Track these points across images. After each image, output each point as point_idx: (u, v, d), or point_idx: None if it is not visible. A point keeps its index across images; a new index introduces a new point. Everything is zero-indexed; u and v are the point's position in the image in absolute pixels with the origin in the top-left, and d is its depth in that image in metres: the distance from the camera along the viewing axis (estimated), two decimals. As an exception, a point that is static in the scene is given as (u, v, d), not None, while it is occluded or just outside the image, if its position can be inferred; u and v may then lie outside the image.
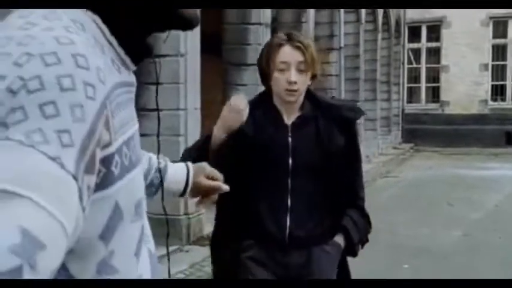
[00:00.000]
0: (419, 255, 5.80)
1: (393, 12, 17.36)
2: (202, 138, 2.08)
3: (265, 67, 2.03)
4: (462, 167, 13.10)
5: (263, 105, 2.10)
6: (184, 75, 5.85)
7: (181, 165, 1.44)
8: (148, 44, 0.86)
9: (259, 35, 7.74)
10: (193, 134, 6.00)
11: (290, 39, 2.00)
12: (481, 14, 18.68)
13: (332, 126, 2.05)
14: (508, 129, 18.42)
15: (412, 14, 19.18)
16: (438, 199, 9.06)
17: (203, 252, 5.57)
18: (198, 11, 0.86)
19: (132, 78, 0.84)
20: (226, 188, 1.47)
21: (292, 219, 2.01)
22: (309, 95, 2.11)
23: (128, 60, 0.82)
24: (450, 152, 16.77)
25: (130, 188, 0.78)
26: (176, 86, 5.76)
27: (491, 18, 18.90)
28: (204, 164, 1.48)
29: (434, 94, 20.03)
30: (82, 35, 0.71)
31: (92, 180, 0.68)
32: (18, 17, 0.71)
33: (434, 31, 19.79)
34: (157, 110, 1.14)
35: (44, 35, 0.67)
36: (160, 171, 1.35)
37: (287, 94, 2.02)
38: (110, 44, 0.78)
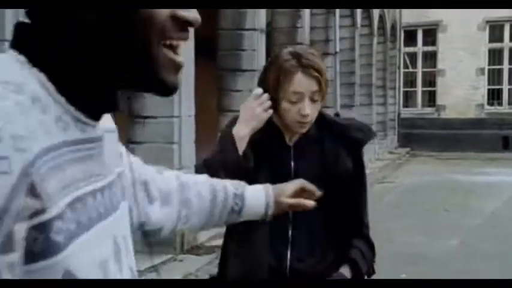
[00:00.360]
0: (416, 263, 5.82)
1: (389, 16, 17.44)
2: (229, 155, 1.75)
3: (272, 93, 1.80)
4: (459, 172, 13.15)
5: (266, 124, 1.85)
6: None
7: (259, 188, 1.42)
8: (113, 99, 0.82)
9: (254, 41, 7.76)
10: (187, 142, 6.01)
11: (302, 65, 1.77)
12: (478, 18, 18.78)
13: (339, 148, 1.87)
14: (505, 133, 18.51)
15: (408, 18, 19.27)
16: (435, 205, 9.09)
17: (197, 262, 5.57)
18: (178, 77, 0.81)
19: (92, 134, 0.80)
20: (311, 204, 1.47)
21: (294, 251, 1.84)
22: None
23: (82, 116, 0.78)
24: (446, 156, 16.83)
25: (87, 251, 0.74)
26: (170, 93, 5.77)
27: (487, 22, 19.01)
28: (284, 186, 1.47)
29: (431, 98, 20.12)
30: (10, 98, 0.68)
31: (13, 257, 0.64)
32: None
33: (431, 35, 19.89)
34: None
35: None
36: (238, 197, 1.35)
37: (298, 126, 1.81)
38: (56, 101, 0.75)
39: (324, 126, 1.89)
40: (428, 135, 18.89)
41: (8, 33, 3.71)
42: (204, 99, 8.16)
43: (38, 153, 0.67)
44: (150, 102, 5.77)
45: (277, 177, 1.72)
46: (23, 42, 0.76)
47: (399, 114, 19.24)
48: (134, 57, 0.76)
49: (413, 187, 11.19)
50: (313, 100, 1.78)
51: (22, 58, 0.74)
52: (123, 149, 1.09)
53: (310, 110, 1.78)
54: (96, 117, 0.81)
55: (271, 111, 1.78)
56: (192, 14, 0.79)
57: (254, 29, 7.78)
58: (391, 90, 18.17)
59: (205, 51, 8.43)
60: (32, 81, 0.73)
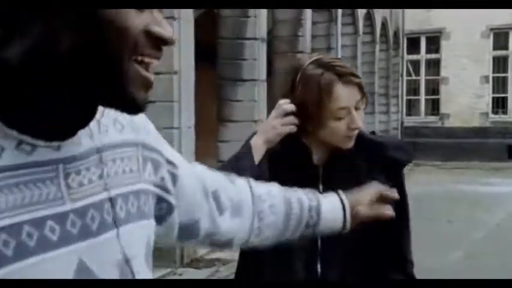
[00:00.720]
0: (419, 275, 5.78)
1: (391, 24, 17.47)
2: (244, 162, 1.62)
3: (312, 113, 1.60)
4: (463, 182, 13.13)
5: (283, 138, 1.65)
6: (178, 93, 5.86)
7: (335, 200, 1.33)
8: (75, 117, 0.79)
9: (255, 50, 7.77)
10: (187, 154, 6.00)
11: (339, 73, 1.59)
12: (481, 25, 18.81)
13: (375, 170, 1.65)
14: (509, 142, 18.48)
15: (411, 25, 19.31)
16: (438, 216, 9.07)
17: (197, 276, 5.56)
18: (147, 96, 0.79)
19: (46, 156, 0.77)
20: (391, 213, 1.36)
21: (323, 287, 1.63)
22: None
23: (26, 138, 0.76)
24: (450, 166, 16.81)
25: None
26: (170, 104, 5.77)
27: (491, 29, 19.03)
28: (359, 194, 1.36)
29: (434, 107, 20.12)
30: None
31: None
32: None
33: (434, 42, 19.91)
34: None
35: None
36: (314, 209, 1.29)
37: (348, 141, 1.63)
38: None
39: (356, 144, 1.67)
40: (432, 144, 18.87)
41: None
42: (203, 108, 8.17)
43: None
44: (149, 114, 5.75)
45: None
46: None
47: (402, 122, 19.23)
48: (103, 71, 0.74)
49: (416, 197, 11.11)
50: (357, 109, 1.62)
51: None
52: (172, 156, 1.04)
53: (360, 123, 1.62)
54: (51, 139, 0.77)
55: (292, 126, 1.62)
56: (167, 31, 0.78)
57: (255, 38, 7.80)
58: (394, 98, 18.18)
59: (206, 59, 8.45)
60: None
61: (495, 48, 19.32)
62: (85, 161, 0.82)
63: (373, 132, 1.79)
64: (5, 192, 0.71)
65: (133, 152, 0.92)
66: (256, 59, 7.77)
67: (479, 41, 19.04)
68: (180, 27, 5.86)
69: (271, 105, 2.21)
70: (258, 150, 1.62)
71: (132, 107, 0.78)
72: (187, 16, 6.07)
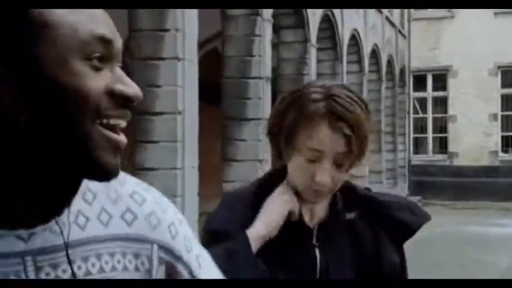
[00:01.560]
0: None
1: (397, 61, 17.67)
2: (243, 261, 1.31)
3: (282, 142, 1.37)
4: (472, 223, 13.07)
5: (266, 192, 1.41)
6: (181, 133, 5.94)
7: None
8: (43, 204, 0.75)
9: (260, 89, 7.89)
10: (191, 195, 6.05)
11: (332, 111, 1.30)
12: (489, 63, 19.00)
13: (380, 236, 1.41)
14: (520, 182, 18.46)
15: (417, 63, 19.51)
16: (447, 259, 9.02)
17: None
18: (117, 160, 0.76)
19: (11, 247, 0.73)
20: None
21: None
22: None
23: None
24: (460, 206, 16.75)
25: None
26: (173, 145, 5.84)
27: (499, 67, 19.22)
28: None
29: (442, 145, 20.16)
30: None
31: None
32: None
33: (441, 80, 20.08)
34: None
35: None
36: None
37: (311, 194, 1.36)
38: None
39: (356, 204, 1.43)
40: (440, 184, 18.84)
41: None
42: (207, 148, 8.24)
43: None
44: (153, 154, 5.85)
45: (297, 274, 1.34)
46: None
47: (410, 161, 19.25)
48: (66, 139, 0.72)
49: (424, 239, 11.07)
50: (338, 165, 1.32)
51: None
52: (195, 266, 0.92)
53: (327, 178, 1.32)
54: (19, 227, 0.73)
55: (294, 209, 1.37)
56: (131, 89, 0.75)
57: (259, 77, 7.92)
58: (401, 136, 18.25)
59: (210, 98, 8.56)
60: None
61: (503, 86, 19.47)
62: (60, 254, 0.77)
63: (367, 189, 1.53)
64: None
65: (142, 251, 0.85)
66: (260, 98, 7.88)
67: (486, 78, 19.20)
68: (184, 68, 5.98)
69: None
70: (258, 242, 1.33)
71: (102, 172, 0.75)
72: (191, 57, 6.20)
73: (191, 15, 6.18)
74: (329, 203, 1.43)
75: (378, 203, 1.44)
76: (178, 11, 5.91)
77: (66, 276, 0.76)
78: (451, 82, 19.78)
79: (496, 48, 18.49)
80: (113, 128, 0.75)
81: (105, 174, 0.75)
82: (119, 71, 0.76)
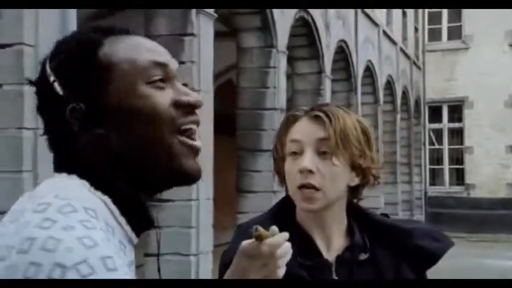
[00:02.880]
0: None
1: (412, 93, 17.70)
2: None
3: (276, 156, 1.36)
4: (490, 256, 12.89)
5: (284, 225, 1.20)
6: (196, 165, 5.97)
7: None
8: (150, 213, 0.86)
9: (274, 120, 7.93)
10: (205, 226, 6.05)
11: (311, 109, 1.33)
12: (504, 94, 18.95)
13: (402, 265, 1.33)
14: (538, 214, 18.23)
15: (432, 94, 19.53)
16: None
17: None
18: (199, 165, 0.86)
19: (133, 256, 0.85)
20: None
21: None
22: (354, 209, 1.39)
23: (133, 236, 0.84)
24: (476, 238, 16.54)
25: None
26: (188, 176, 5.86)
27: (515, 98, 19.17)
28: None
29: (459, 176, 20.02)
30: (97, 226, 0.75)
31: None
32: (33, 211, 0.74)
33: (456, 111, 20.05)
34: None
35: (67, 237, 0.70)
36: None
37: (302, 198, 1.29)
38: (119, 224, 0.81)
39: (374, 232, 1.36)
40: (457, 216, 18.65)
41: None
42: (222, 179, 8.26)
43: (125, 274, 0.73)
44: (168, 185, 5.87)
45: None
46: (80, 168, 0.82)
47: (426, 192, 19.13)
48: (155, 155, 0.82)
49: (440, 272, 10.95)
50: (320, 152, 1.28)
51: (85, 182, 0.81)
52: None
53: (310, 164, 1.27)
54: (139, 235, 0.86)
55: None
56: (192, 97, 0.87)
57: (274, 109, 7.97)
58: (417, 167, 18.18)
59: (224, 130, 8.62)
60: (100, 205, 0.80)
61: (520, 117, 19.39)
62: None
63: (385, 215, 1.45)
64: None
65: None
66: (275, 129, 7.90)
67: (502, 110, 19.13)
68: (200, 99, 6.03)
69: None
70: None
71: (186, 177, 0.86)
72: (207, 87, 6.27)
73: (206, 48, 6.28)
74: (346, 233, 1.36)
75: (398, 230, 1.36)
76: (195, 43, 6.01)
77: None
78: (466, 113, 19.73)
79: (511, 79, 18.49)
80: (189, 135, 0.86)
81: (190, 178, 0.86)
82: (179, 85, 0.88)
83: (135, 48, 0.86)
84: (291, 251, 1.12)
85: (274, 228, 1.09)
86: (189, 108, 0.86)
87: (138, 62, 0.85)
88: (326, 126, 1.28)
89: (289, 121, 1.34)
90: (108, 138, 0.82)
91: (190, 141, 0.85)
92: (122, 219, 0.82)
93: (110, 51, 0.85)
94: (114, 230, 0.79)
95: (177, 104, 0.85)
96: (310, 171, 1.27)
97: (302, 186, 1.28)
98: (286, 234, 1.09)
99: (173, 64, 0.89)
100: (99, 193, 0.81)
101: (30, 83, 0.86)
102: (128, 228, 0.83)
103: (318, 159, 1.28)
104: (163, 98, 0.84)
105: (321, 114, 1.29)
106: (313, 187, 1.27)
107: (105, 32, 0.87)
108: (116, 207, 0.81)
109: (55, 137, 0.85)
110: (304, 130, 1.30)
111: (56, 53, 0.85)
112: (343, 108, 1.35)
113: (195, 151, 0.86)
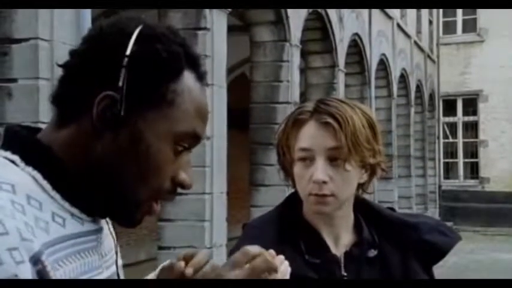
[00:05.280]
0: None
1: (426, 86, 17.59)
2: None
3: (283, 158, 1.34)
4: (506, 251, 12.81)
5: (293, 222, 1.35)
6: (210, 159, 5.99)
7: None
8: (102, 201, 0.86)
9: (288, 114, 7.92)
10: (219, 219, 6.07)
11: (317, 110, 1.28)
12: (520, 87, 18.79)
13: (409, 259, 1.34)
14: (554, 208, 18.07)
15: (447, 88, 19.39)
16: None
17: None
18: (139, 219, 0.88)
19: (92, 226, 0.86)
20: None
21: None
22: (360, 203, 1.38)
23: (76, 211, 0.83)
24: (491, 232, 16.45)
25: None
26: (202, 170, 5.89)
27: (530, 91, 18.99)
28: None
29: (473, 170, 19.89)
30: (4, 197, 0.74)
31: None
32: None
33: (471, 105, 19.90)
34: None
35: None
36: None
37: (314, 203, 1.29)
38: (52, 198, 0.81)
39: (380, 227, 1.36)
40: (472, 209, 18.54)
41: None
42: (236, 173, 8.28)
43: (43, 244, 0.74)
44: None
45: None
46: (19, 144, 0.83)
47: (440, 186, 19.02)
48: (124, 195, 0.84)
49: (456, 267, 10.91)
50: (332, 160, 1.27)
51: (15, 157, 0.81)
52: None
53: (322, 175, 1.25)
54: (91, 215, 0.86)
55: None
56: (189, 179, 0.87)
57: (288, 102, 7.97)
58: (431, 161, 18.08)
59: (238, 124, 8.63)
60: (25, 181, 0.79)
61: (535, 110, 19.20)
62: (104, 234, 0.91)
63: (391, 209, 1.45)
64: (72, 260, 0.80)
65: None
66: (288, 123, 7.90)
67: (517, 103, 18.97)
68: (213, 93, 6.05)
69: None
70: None
71: (127, 225, 0.89)
72: (220, 82, 6.28)
73: (220, 42, 6.28)
74: (353, 228, 1.36)
75: (405, 224, 1.36)
76: (208, 38, 6.02)
77: (107, 249, 0.91)
78: (481, 106, 19.58)
79: (527, 72, 18.31)
80: (157, 201, 0.87)
81: (127, 226, 0.89)
82: (188, 157, 0.88)
83: (197, 110, 0.86)
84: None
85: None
86: (180, 187, 0.87)
87: (187, 124, 0.85)
88: (337, 132, 1.25)
89: (296, 125, 1.30)
90: (107, 148, 0.83)
91: (155, 208, 0.88)
92: (56, 194, 0.82)
93: (180, 90, 0.84)
94: (42, 203, 0.79)
95: (173, 179, 0.86)
96: (324, 182, 1.26)
97: (314, 195, 1.28)
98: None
99: (203, 137, 0.90)
100: (29, 168, 0.81)
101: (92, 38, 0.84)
102: (64, 203, 0.82)
103: (329, 167, 1.26)
104: (171, 167, 0.85)
105: (330, 120, 1.25)
106: (325, 195, 1.27)
107: (189, 58, 0.86)
108: (49, 184, 0.81)
109: (68, 109, 0.84)
110: (313, 138, 1.27)
111: (141, 41, 0.82)
112: (347, 102, 1.32)
113: (151, 214, 0.89)
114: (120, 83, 0.80)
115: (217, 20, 6.19)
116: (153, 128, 0.82)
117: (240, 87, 10.24)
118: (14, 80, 4.06)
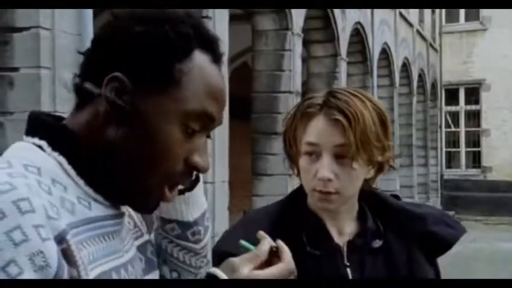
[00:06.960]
0: None
1: (429, 75, 17.53)
2: None
3: (288, 147, 1.32)
4: (508, 240, 12.82)
5: (296, 214, 1.32)
6: (212, 148, 5.98)
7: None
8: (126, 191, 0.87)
9: (289, 103, 7.90)
10: (221, 209, 6.08)
11: (327, 104, 1.24)
12: (522, 76, 18.74)
13: (414, 250, 1.32)
14: (556, 197, 18.07)
15: (449, 77, 19.33)
16: (481, 277, 8.86)
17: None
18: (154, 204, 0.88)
19: (114, 211, 0.87)
20: None
21: None
22: (366, 194, 1.35)
23: (99, 197, 0.85)
24: (493, 221, 16.46)
25: None
26: (204, 159, 5.88)
27: (533, 80, 18.93)
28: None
29: (475, 159, 19.88)
30: (31, 177, 0.76)
31: None
32: None
33: (473, 94, 19.86)
34: None
35: None
36: None
37: (319, 198, 1.26)
38: (76, 183, 0.82)
39: (385, 215, 1.34)
40: (474, 198, 18.55)
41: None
42: (238, 162, 8.27)
43: (68, 224, 0.76)
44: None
45: None
46: (46, 130, 0.84)
47: (442, 175, 19.01)
48: (134, 179, 0.84)
49: (458, 256, 10.92)
50: (338, 157, 1.23)
51: (43, 143, 0.83)
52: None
53: (327, 173, 1.22)
54: (114, 202, 0.88)
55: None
56: (204, 163, 0.86)
57: (289, 92, 7.95)
58: (433, 150, 18.06)
59: (240, 113, 8.61)
60: (51, 164, 0.81)
61: (538, 99, 19.15)
62: (125, 219, 0.93)
63: (396, 197, 1.42)
64: (94, 243, 0.81)
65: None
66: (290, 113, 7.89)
67: (520, 92, 18.92)
68: (215, 82, 6.03)
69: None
70: None
71: (142, 210, 0.91)
72: (222, 70, 6.25)
73: (221, 30, 6.25)
74: (357, 217, 1.33)
75: (411, 215, 1.34)
76: (210, 26, 5.99)
77: (125, 233, 0.92)
78: (483, 96, 19.54)
79: (530, 61, 18.24)
80: (172, 189, 0.86)
81: (142, 211, 0.92)
82: (203, 140, 0.87)
83: (208, 90, 0.85)
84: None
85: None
86: (194, 170, 0.86)
87: (195, 103, 0.84)
88: (345, 130, 1.21)
89: (304, 117, 1.26)
90: (119, 131, 0.83)
91: (168, 196, 0.86)
92: (80, 180, 0.83)
93: (187, 69, 0.83)
94: (67, 187, 0.80)
95: (186, 162, 0.85)
96: (329, 179, 1.23)
97: (319, 191, 1.25)
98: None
99: (219, 121, 0.88)
100: (55, 153, 0.82)
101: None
102: (88, 189, 0.83)
103: (335, 164, 1.23)
104: (183, 148, 0.84)
105: (340, 116, 1.21)
106: (330, 193, 1.25)
107: (202, 39, 0.85)
108: (73, 170, 0.83)
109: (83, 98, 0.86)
110: (321, 133, 1.24)
111: (149, 23, 0.83)
112: (358, 93, 1.27)
113: (163, 200, 0.88)
114: (126, 64, 0.81)
115: (219, 9, 6.16)
116: (160, 109, 0.82)
117: (242, 77, 10.22)
118: (16, 69, 4.05)
